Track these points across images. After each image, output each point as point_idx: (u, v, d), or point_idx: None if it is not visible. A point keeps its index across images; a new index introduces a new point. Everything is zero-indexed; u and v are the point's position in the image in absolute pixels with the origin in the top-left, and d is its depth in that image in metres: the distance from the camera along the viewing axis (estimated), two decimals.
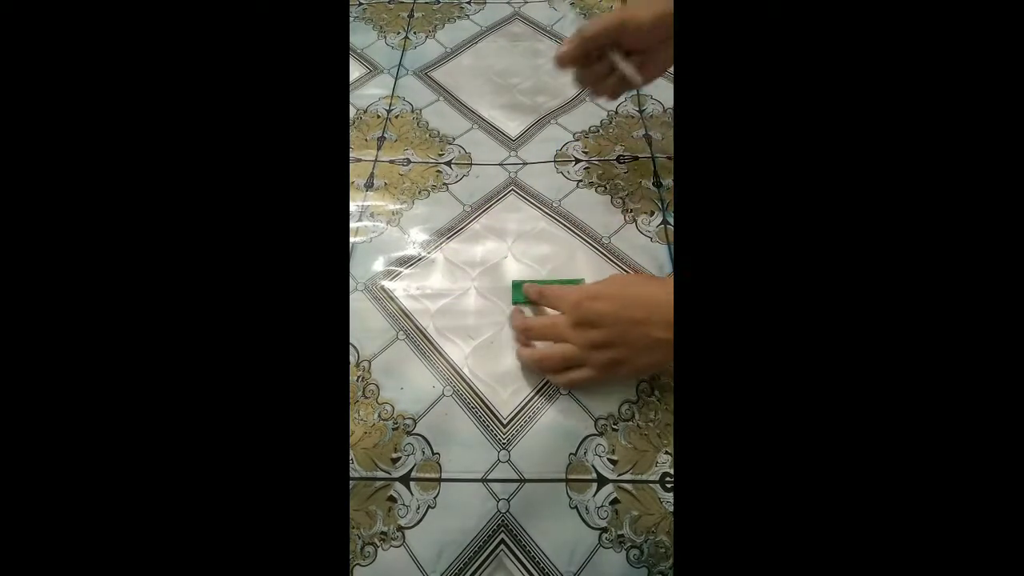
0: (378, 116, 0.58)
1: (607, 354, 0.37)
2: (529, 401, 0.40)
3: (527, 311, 0.44)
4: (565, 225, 0.49)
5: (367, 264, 0.47)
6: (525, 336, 0.41)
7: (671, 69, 0.48)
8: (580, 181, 0.52)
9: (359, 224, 0.50)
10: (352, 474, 0.38)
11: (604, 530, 0.36)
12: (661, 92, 0.58)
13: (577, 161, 0.54)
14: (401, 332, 0.44)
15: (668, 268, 0.46)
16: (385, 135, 0.57)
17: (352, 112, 0.59)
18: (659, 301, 0.36)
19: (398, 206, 0.51)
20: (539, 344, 0.41)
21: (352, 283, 0.46)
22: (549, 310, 0.42)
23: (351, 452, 0.39)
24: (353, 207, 0.51)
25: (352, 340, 0.43)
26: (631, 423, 0.39)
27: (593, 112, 0.57)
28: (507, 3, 0.69)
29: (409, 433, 0.39)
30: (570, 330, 0.38)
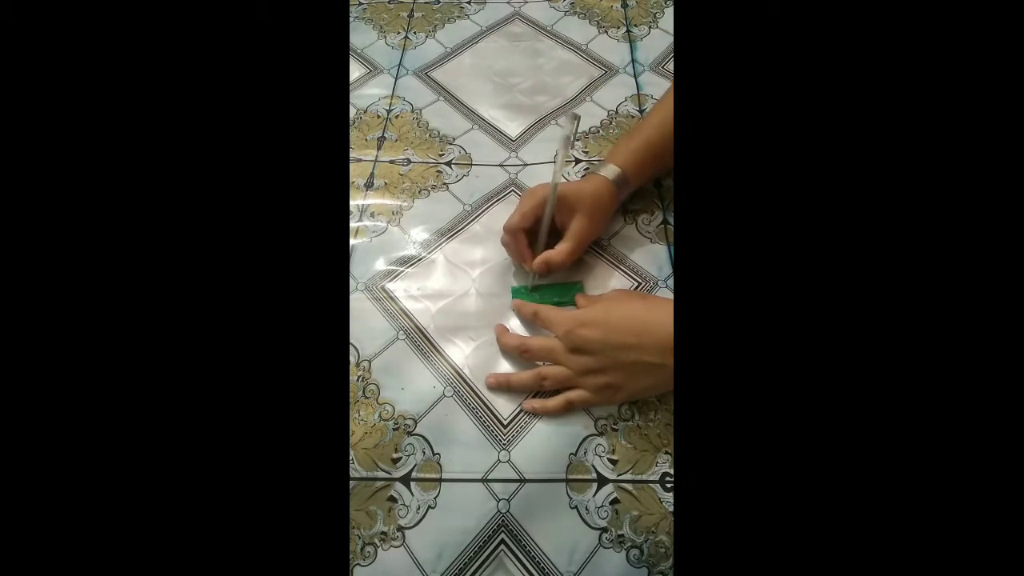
0: (378, 116, 0.58)
1: (601, 379, 0.37)
2: None
3: (510, 325, 0.44)
4: None
5: (367, 264, 0.47)
6: (523, 357, 0.41)
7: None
8: None
9: (359, 224, 0.50)
10: (352, 474, 0.38)
11: (604, 530, 0.36)
12: (661, 92, 0.58)
13: (577, 161, 0.54)
14: (401, 332, 0.44)
15: (668, 268, 0.46)
16: (385, 135, 0.57)
17: (352, 112, 0.59)
18: (648, 324, 0.36)
19: (398, 206, 0.51)
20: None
21: (352, 283, 0.46)
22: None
23: (352, 452, 0.39)
24: (353, 207, 0.51)
25: (352, 340, 0.43)
26: (631, 423, 0.39)
27: (593, 113, 0.57)
28: (507, 3, 0.69)
29: (410, 433, 0.39)
30: (565, 355, 0.39)
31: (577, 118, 0.40)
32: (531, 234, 0.44)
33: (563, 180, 0.43)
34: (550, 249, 0.43)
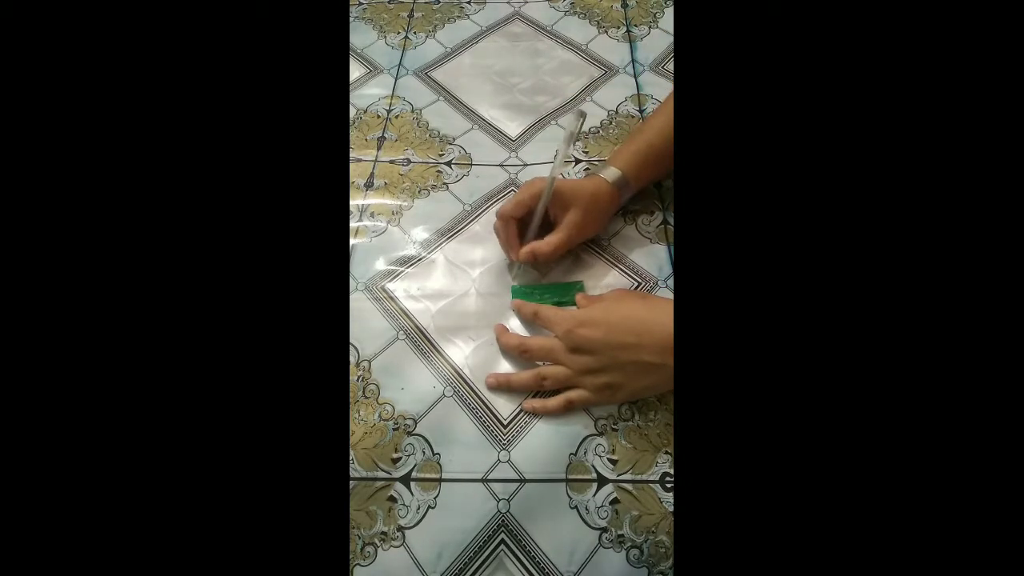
0: (378, 116, 0.58)
1: (601, 379, 0.37)
2: None
3: (510, 324, 0.44)
4: None
5: (367, 264, 0.47)
6: (523, 357, 0.41)
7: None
8: None
9: (359, 224, 0.50)
10: (352, 474, 0.38)
11: (604, 530, 0.36)
12: (661, 92, 0.58)
13: (577, 162, 0.54)
14: (401, 332, 0.44)
15: (668, 268, 0.46)
16: (385, 135, 0.57)
17: (352, 112, 0.59)
18: (648, 324, 0.36)
19: (398, 206, 0.51)
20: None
21: (352, 283, 0.46)
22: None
23: (352, 452, 0.39)
24: (353, 207, 0.51)
25: (352, 340, 0.43)
26: (631, 423, 0.39)
27: (593, 113, 0.57)
28: (507, 3, 0.69)
29: (409, 433, 0.39)
30: (564, 355, 0.39)
31: (583, 115, 0.40)
32: (524, 225, 0.44)
33: (561, 176, 0.43)
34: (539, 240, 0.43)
